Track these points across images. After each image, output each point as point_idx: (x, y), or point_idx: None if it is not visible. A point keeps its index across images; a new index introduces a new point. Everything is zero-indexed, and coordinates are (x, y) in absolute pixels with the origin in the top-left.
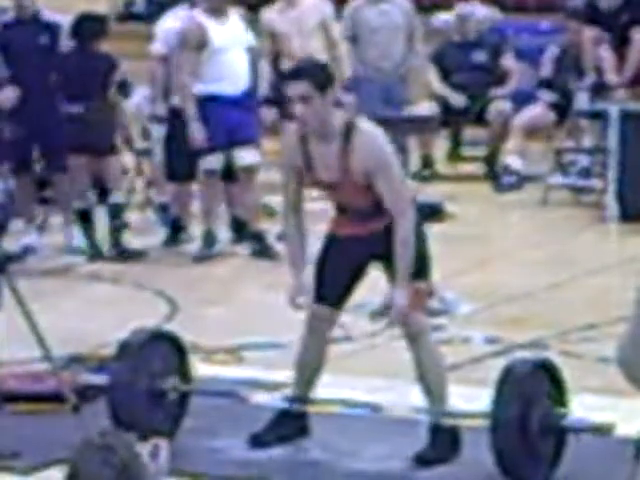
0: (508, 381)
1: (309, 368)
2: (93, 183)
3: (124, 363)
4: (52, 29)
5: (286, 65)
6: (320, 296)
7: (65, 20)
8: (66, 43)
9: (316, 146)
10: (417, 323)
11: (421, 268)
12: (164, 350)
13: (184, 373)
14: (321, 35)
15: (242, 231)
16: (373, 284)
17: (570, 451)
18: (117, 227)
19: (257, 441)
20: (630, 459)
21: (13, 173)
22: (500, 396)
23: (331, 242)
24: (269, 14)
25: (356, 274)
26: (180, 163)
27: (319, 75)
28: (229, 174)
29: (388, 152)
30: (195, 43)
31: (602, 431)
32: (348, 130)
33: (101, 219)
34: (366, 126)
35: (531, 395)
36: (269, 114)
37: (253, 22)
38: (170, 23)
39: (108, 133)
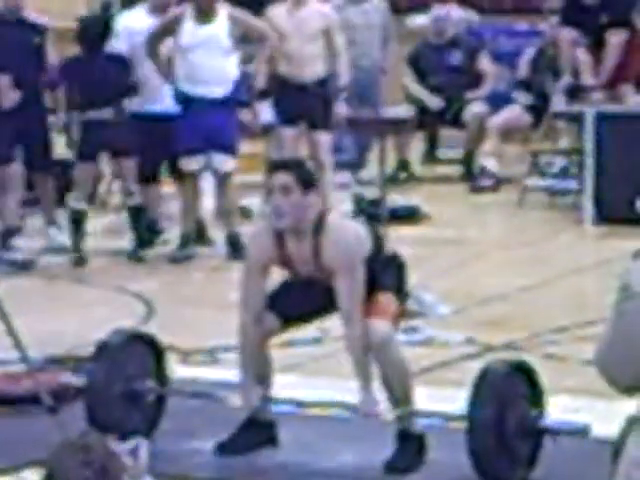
0: (485, 383)
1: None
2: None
3: (101, 364)
4: (41, 31)
5: (282, 67)
6: (271, 305)
7: (49, 22)
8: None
9: (292, 245)
10: (379, 333)
11: (394, 284)
12: (141, 352)
13: (161, 375)
14: (323, 42)
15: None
16: None
17: (546, 453)
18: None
19: (223, 449)
20: (607, 461)
21: None
22: (477, 398)
23: None
24: (273, 11)
25: (319, 310)
26: (151, 165)
27: (304, 173)
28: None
29: (355, 254)
30: (165, 24)
31: (578, 433)
32: (318, 226)
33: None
34: (336, 223)
35: (508, 397)
36: (259, 113)
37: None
38: (128, 22)
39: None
